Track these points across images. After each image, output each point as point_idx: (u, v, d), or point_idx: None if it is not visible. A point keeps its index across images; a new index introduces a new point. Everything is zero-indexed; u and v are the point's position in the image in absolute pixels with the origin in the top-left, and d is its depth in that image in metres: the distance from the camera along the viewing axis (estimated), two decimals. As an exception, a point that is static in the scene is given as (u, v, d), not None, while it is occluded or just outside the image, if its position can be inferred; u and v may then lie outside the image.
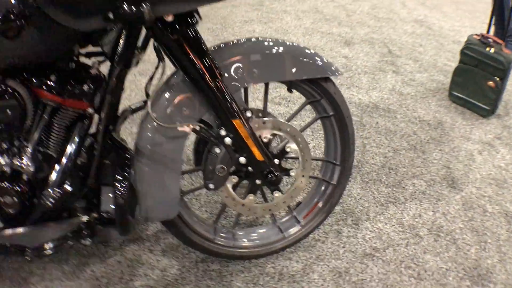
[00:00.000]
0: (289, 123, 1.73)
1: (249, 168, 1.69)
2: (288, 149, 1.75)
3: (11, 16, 1.27)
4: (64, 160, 1.54)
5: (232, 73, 1.57)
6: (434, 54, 4.24)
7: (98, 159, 1.57)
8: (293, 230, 2.00)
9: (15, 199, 1.54)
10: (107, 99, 1.50)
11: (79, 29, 1.32)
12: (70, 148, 1.54)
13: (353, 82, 3.48)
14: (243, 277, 1.94)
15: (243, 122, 1.57)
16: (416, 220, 2.29)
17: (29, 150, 1.51)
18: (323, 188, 2.00)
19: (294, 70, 1.63)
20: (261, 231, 2.02)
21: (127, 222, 1.63)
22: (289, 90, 1.77)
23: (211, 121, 1.60)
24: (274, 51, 1.62)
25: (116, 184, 1.58)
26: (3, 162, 1.52)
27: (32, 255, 1.61)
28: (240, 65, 1.57)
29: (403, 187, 2.49)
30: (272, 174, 1.69)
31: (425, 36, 4.66)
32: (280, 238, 1.99)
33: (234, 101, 1.54)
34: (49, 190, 1.53)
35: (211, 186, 1.67)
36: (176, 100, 1.54)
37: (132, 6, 1.25)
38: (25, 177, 1.54)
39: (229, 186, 1.73)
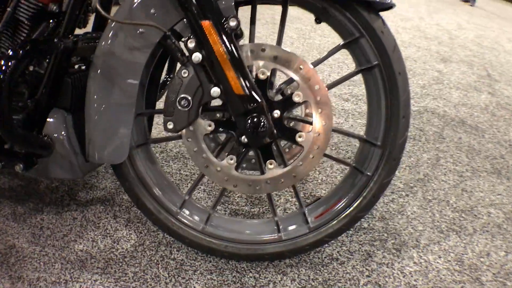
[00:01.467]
0: (302, 58, 1.14)
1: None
2: (296, 99, 1.14)
3: None
4: (18, 58, 1.17)
5: None
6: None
7: (52, 72, 1.23)
8: (295, 231, 1.32)
9: None
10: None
11: None
12: (24, 50, 1.19)
13: (441, 94, 2.79)
14: (207, 280, 1.30)
15: (217, 28, 1.07)
16: (482, 259, 1.50)
17: None
18: (352, 180, 1.31)
19: None
20: (250, 222, 1.37)
21: (70, 161, 1.28)
22: (317, 20, 1.23)
23: (183, 32, 1.13)
24: None
25: (71, 111, 1.27)
26: None
27: None
28: None
29: (475, 215, 1.70)
30: (256, 122, 1.11)
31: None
32: (275, 238, 1.31)
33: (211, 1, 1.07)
34: None
35: (169, 125, 1.16)
36: None
37: None
38: None
39: (199, 133, 1.17)
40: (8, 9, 1.29)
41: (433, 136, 2.10)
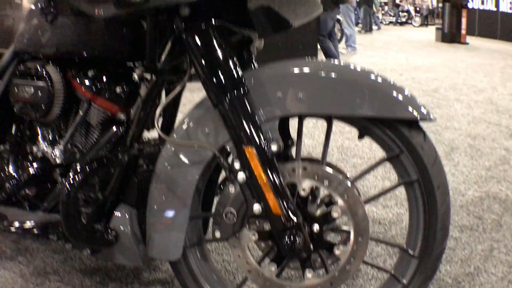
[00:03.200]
0: (344, 178, 1.19)
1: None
2: (335, 215, 1.18)
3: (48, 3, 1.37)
4: (90, 160, 1.35)
5: (268, 94, 1.15)
6: None
7: (120, 175, 1.34)
8: None
9: (34, 182, 1.53)
10: (138, 108, 1.35)
11: (95, 15, 1.16)
12: (97, 150, 1.41)
13: (506, 176, 2.71)
14: None
15: (258, 153, 1.11)
16: None
17: (62, 142, 1.47)
18: (390, 287, 1.31)
19: (358, 103, 1.12)
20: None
21: (133, 251, 1.34)
22: (360, 136, 1.24)
23: (232, 151, 1.19)
24: (333, 74, 1.15)
25: (136, 207, 1.35)
26: (37, 147, 1.53)
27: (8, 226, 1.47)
28: (282, 86, 1.15)
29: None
30: (294, 239, 1.14)
31: None
32: None
33: (256, 126, 1.12)
34: (66, 185, 1.32)
35: (217, 233, 1.24)
36: (198, 116, 1.23)
37: None
38: (50, 165, 1.50)
39: (244, 242, 1.24)
40: (80, 113, 1.44)
41: (491, 224, 2.06)
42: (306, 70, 1.17)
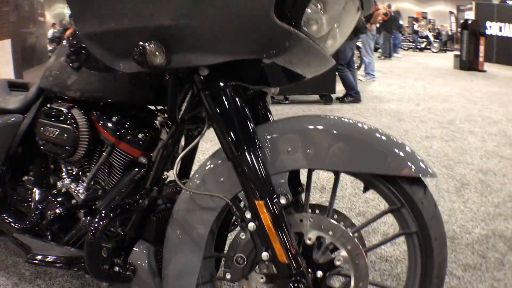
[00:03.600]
0: (350, 225, 1.28)
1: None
2: (338, 263, 1.25)
3: (77, 49, 1.44)
4: (112, 199, 1.45)
5: (278, 149, 1.21)
6: None
7: (140, 215, 1.41)
8: None
9: (58, 216, 1.56)
10: (159, 153, 1.42)
11: (119, 69, 1.18)
12: (118, 191, 1.47)
13: None
14: None
15: (268, 207, 1.16)
16: None
17: (86, 179, 1.53)
18: None
19: (362, 160, 1.18)
20: None
21: (149, 285, 1.39)
22: (365, 189, 1.30)
23: (244, 200, 1.25)
24: (341, 131, 1.20)
25: (154, 244, 1.41)
26: (61, 182, 1.59)
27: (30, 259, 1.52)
28: (292, 142, 1.21)
29: None
30: (298, 285, 1.20)
31: None
32: None
33: (266, 180, 1.17)
34: (89, 221, 1.44)
35: (228, 276, 1.30)
36: (214, 165, 1.28)
37: (147, 50, 1.05)
38: (74, 201, 1.54)
39: (253, 284, 1.30)
40: (104, 154, 1.49)
41: (494, 263, 2.14)
42: (315, 127, 1.22)
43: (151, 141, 1.47)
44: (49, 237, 1.62)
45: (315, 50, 1.12)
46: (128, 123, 1.49)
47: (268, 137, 1.23)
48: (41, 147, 1.62)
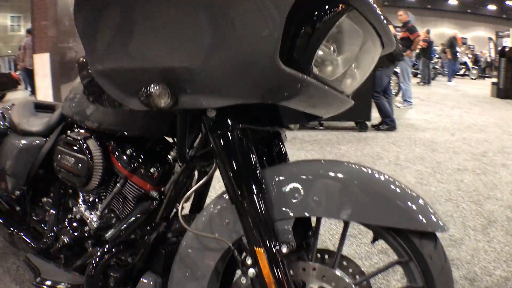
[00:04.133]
0: (359, 273, 1.19)
1: None
2: None
3: (92, 84, 1.41)
4: (121, 231, 1.42)
5: (286, 194, 1.13)
6: None
7: (149, 244, 1.41)
8: None
9: (70, 241, 1.57)
10: (170, 187, 1.40)
11: (129, 106, 1.15)
12: (128, 223, 1.44)
13: None
14: None
15: (268, 254, 1.09)
16: None
17: (100, 208, 1.52)
18: None
19: (372, 212, 1.10)
20: None
21: None
22: (373, 239, 1.22)
23: (246, 245, 1.19)
24: (353, 180, 1.13)
25: (162, 276, 1.39)
26: (77, 208, 1.58)
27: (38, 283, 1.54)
28: (298, 188, 1.13)
29: None
30: None
31: None
32: None
33: (269, 226, 1.10)
34: (95, 251, 1.44)
35: None
36: (220, 207, 1.23)
37: (152, 92, 1.02)
38: (86, 228, 1.54)
39: None
40: (118, 185, 1.49)
41: None
42: (326, 173, 1.15)
43: (164, 175, 1.45)
44: (62, 260, 1.64)
45: (329, 93, 1.06)
46: (141, 156, 1.48)
47: (276, 180, 1.16)
48: (58, 174, 1.65)
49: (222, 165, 1.13)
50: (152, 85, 1.01)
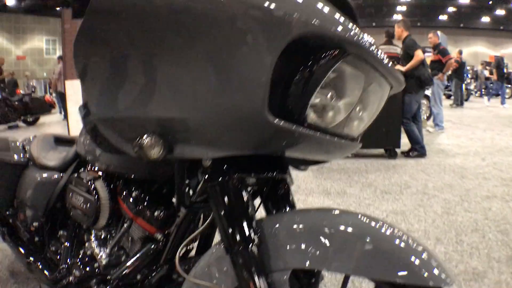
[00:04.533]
0: None
1: None
2: None
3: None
4: (126, 271, 1.44)
5: (283, 245, 1.07)
6: None
7: (153, 286, 1.44)
8: None
9: (80, 277, 1.59)
10: (174, 229, 1.42)
11: (129, 153, 1.11)
12: (132, 263, 1.46)
13: None
14: None
15: None
16: None
17: (109, 246, 1.55)
18: None
19: (373, 266, 1.02)
20: None
21: None
22: None
23: None
24: (356, 232, 1.05)
25: None
26: (89, 243, 1.62)
27: None
28: (299, 238, 1.06)
29: None
30: None
31: None
32: None
33: (263, 278, 1.05)
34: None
35: None
36: (219, 254, 1.17)
37: (143, 144, 1.00)
38: (96, 264, 1.57)
39: None
40: (124, 226, 1.52)
41: None
42: (327, 224, 1.08)
43: (168, 218, 1.46)
44: None
45: (328, 141, 1.00)
46: (147, 199, 1.49)
47: (274, 230, 1.09)
48: (70, 211, 1.68)
49: (217, 214, 1.10)
50: (145, 136, 0.99)
